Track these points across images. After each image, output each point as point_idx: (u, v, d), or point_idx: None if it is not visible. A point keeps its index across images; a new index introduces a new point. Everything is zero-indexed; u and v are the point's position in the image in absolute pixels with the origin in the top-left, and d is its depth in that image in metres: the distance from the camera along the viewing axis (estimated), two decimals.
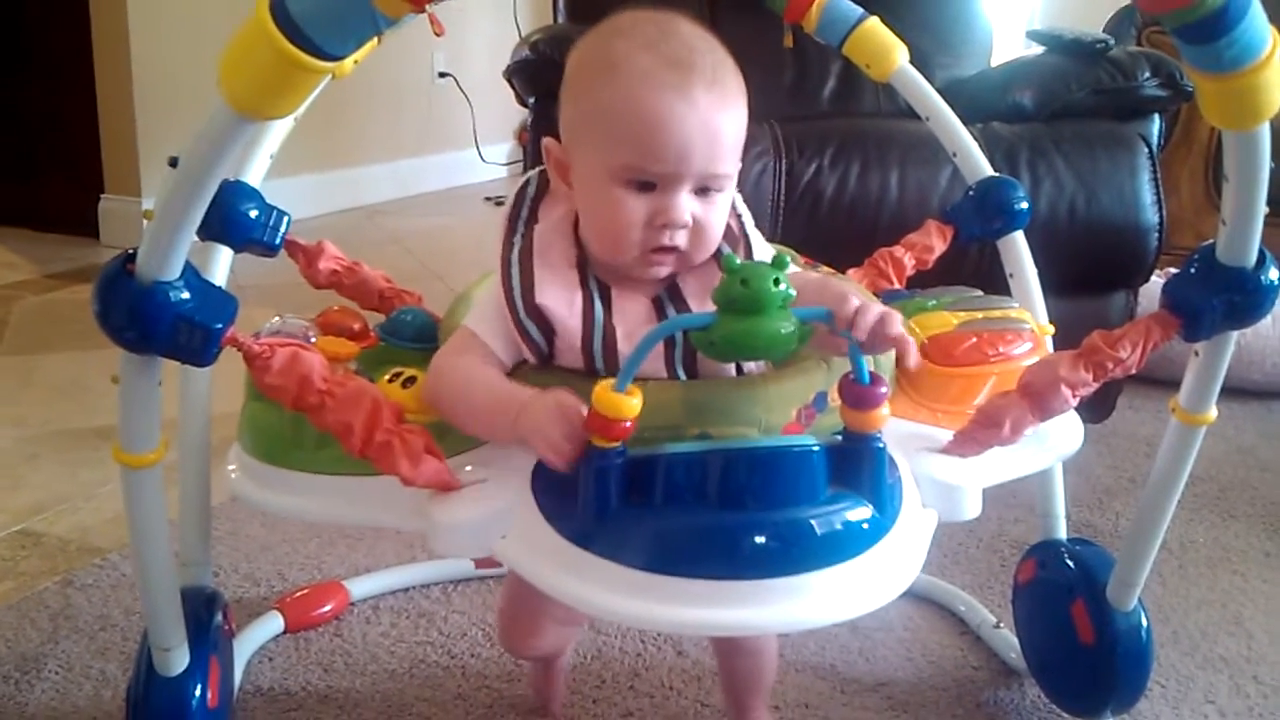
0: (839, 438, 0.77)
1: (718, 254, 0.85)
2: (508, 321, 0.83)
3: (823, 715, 1.20)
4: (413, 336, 1.00)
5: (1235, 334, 0.93)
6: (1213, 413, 0.99)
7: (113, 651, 1.27)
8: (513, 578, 1.05)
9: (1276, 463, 2.00)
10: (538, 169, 0.91)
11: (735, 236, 0.88)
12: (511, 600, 1.08)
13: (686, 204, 0.80)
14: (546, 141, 0.87)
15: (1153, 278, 1.93)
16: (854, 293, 0.78)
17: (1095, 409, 2.02)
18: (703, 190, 0.81)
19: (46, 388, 2.16)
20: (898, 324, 0.75)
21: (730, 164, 0.82)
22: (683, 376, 0.83)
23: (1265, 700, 1.27)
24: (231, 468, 0.92)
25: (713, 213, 0.82)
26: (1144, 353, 0.88)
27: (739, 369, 0.85)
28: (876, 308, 0.76)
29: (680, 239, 0.81)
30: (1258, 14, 0.66)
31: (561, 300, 0.83)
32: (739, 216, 0.89)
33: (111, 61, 3.20)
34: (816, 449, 0.75)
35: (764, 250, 0.90)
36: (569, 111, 0.85)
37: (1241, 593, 1.52)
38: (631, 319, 0.84)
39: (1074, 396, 0.87)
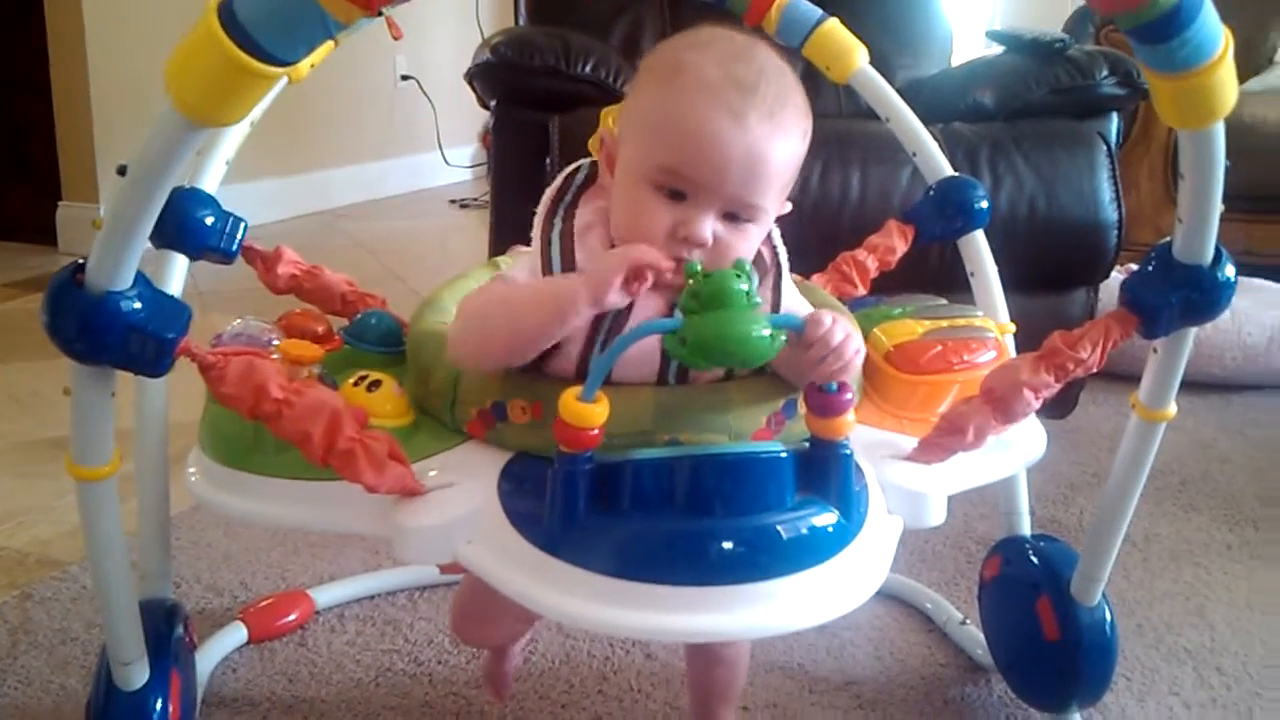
0: (806, 444, 0.77)
1: None
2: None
3: (791, 715, 1.20)
4: (378, 340, 1.00)
5: (1193, 331, 0.93)
6: (1172, 409, 1.00)
7: (73, 665, 1.25)
8: (468, 574, 1.05)
9: (1236, 455, 2.02)
10: (590, 159, 0.90)
11: (765, 266, 0.86)
12: (470, 593, 1.07)
13: (710, 223, 0.78)
14: (603, 130, 0.87)
15: (1113, 274, 1.95)
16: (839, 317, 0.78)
17: (1058, 405, 2.04)
18: (732, 216, 0.79)
19: (3, 399, 2.13)
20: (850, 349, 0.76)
21: (767, 198, 0.80)
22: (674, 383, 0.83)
23: (1228, 690, 1.28)
24: (191, 471, 0.90)
25: (739, 240, 0.80)
26: (1104, 351, 0.89)
27: (728, 376, 0.84)
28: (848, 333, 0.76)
29: (697, 256, 0.78)
30: (1210, 14, 0.67)
31: None
32: (774, 248, 0.88)
33: (68, 67, 3.16)
34: (784, 455, 0.75)
35: (791, 289, 0.88)
36: (628, 104, 0.84)
37: (1204, 585, 1.53)
38: (642, 318, 0.82)
39: (1036, 399, 0.87)
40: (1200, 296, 0.87)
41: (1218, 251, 0.87)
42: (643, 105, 0.82)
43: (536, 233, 0.85)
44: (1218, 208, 0.82)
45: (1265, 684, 1.30)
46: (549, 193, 0.88)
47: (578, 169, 0.89)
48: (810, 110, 0.82)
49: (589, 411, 0.69)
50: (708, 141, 0.76)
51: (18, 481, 1.75)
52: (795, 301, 0.88)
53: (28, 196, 3.30)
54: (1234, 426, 2.18)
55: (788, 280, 0.88)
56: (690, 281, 0.71)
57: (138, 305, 0.71)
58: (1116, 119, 2.05)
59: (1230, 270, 0.87)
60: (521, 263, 0.85)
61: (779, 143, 0.78)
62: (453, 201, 4.45)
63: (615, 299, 0.74)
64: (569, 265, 0.82)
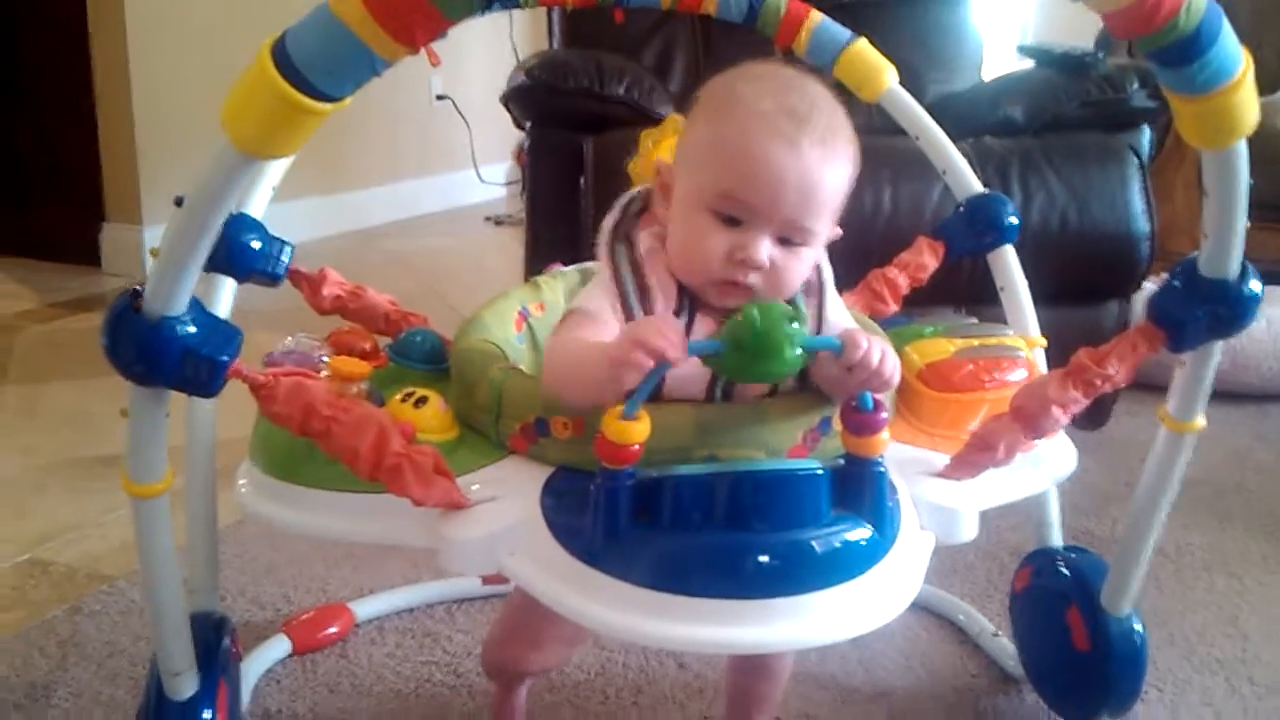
0: (841, 461, 0.79)
1: None
2: (618, 311, 0.85)
3: None
4: (423, 358, 1.02)
5: (1220, 344, 0.94)
6: (1200, 421, 1.00)
7: (122, 678, 1.28)
8: (517, 593, 1.07)
9: (1272, 466, 2.02)
10: (642, 187, 0.93)
11: (812, 287, 0.89)
12: (515, 615, 1.09)
13: (766, 247, 0.81)
14: (658, 161, 0.89)
15: (1146, 284, 1.95)
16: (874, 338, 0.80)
17: (1092, 417, 2.04)
18: (786, 239, 0.82)
19: (52, 417, 2.18)
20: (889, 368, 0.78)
21: (820, 221, 0.83)
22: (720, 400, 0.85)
23: (1260, 701, 1.28)
24: (242, 482, 0.93)
25: (793, 262, 0.83)
26: (1131, 367, 0.90)
27: (773, 392, 0.86)
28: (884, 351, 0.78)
29: (754, 279, 0.82)
30: (1229, 37, 0.68)
31: (661, 305, 0.85)
32: (818, 269, 0.90)
33: (111, 88, 3.22)
34: (820, 472, 0.77)
35: (838, 307, 0.91)
36: (685, 136, 0.88)
37: (1238, 595, 1.53)
38: (701, 335, 0.85)
39: (1065, 415, 0.89)
40: (1226, 310, 0.88)
41: (1243, 266, 0.88)
42: (699, 136, 0.85)
43: (604, 263, 0.87)
44: (1242, 224, 0.83)
45: None
46: (608, 223, 0.90)
47: (633, 198, 0.92)
48: (857, 138, 0.85)
49: (630, 429, 0.72)
50: (764, 167, 0.79)
51: (67, 497, 1.79)
52: (841, 318, 0.91)
53: (72, 218, 3.36)
54: (1270, 436, 2.17)
55: (832, 297, 0.91)
56: (740, 317, 0.73)
57: (193, 329, 0.74)
58: (1148, 131, 2.05)
59: (1256, 284, 0.88)
60: (597, 294, 0.86)
61: (831, 168, 0.81)
62: (488, 218, 4.49)
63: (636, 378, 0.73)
64: (643, 292, 0.85)
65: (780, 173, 0.79)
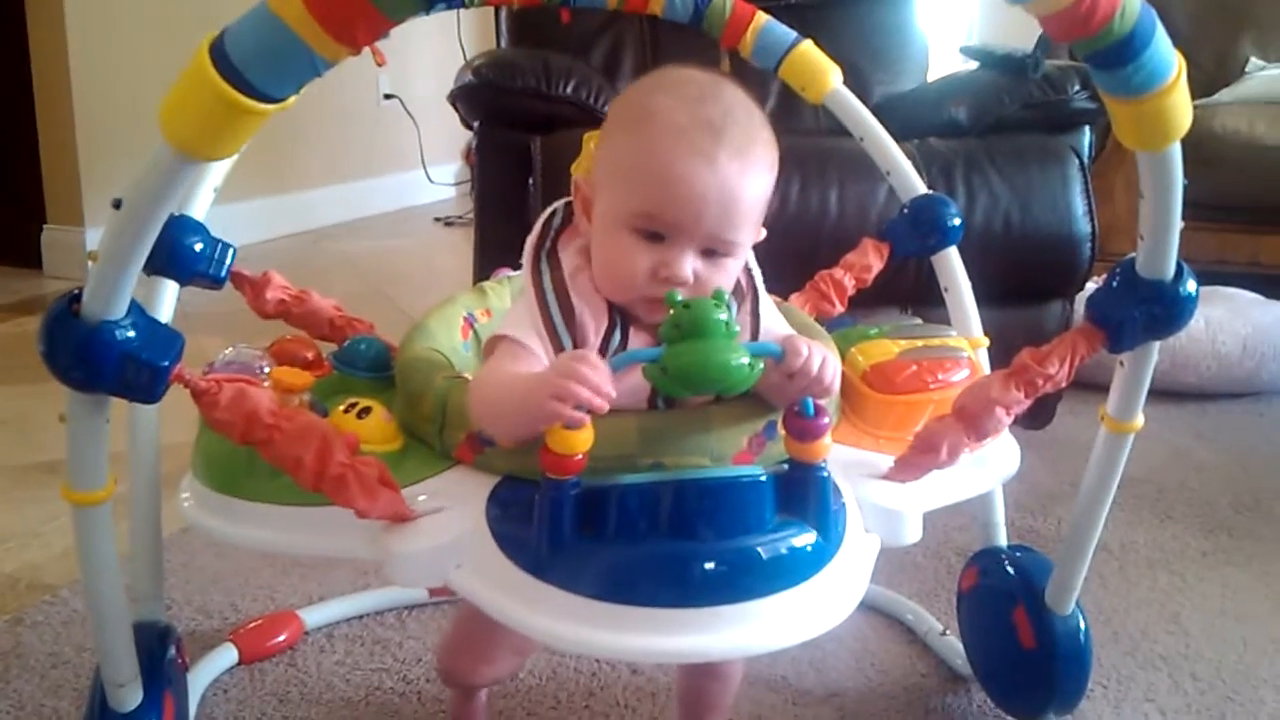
0: (785, 466, 0.79)
1: None
2: (543, 335, 0.84)
3: None
4: (367, 366, 1.01)
5: (1158, 344, 0.96)
6: (1139, 420, 1.02)
7: (65, 689, 1.26)
8: (467, 605, 1.06)
9: (1212, 464, 2.06)
10: (564, 200, 0.92)
11: (743, 291, 0.90)
12: (465, 627, 1.08)
13: (690, 262, 0.82)
14: (576, 178, 0.88)
15: (1089, 285, 1.98)
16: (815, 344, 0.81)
17: (1036, 417, 2.07)
18: (710, 252, 0.83)
19: None
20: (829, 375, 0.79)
21: (742, 233, 0.83)
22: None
23: (1202, 696, 1.31)
24: (185, 495, 0.91)
25: (717, 275, 0.83)
26: (1071, 366, 0.91)
27: (716, 400, 0.85)
28: (824, 358, 0.79)
29: (680, 295, 0.82)
30: (1162, 40, 0.70)
31: (590, 326, 0.85)
32: (749, 272, 0.91)
33: (51, 91, 3.17)
34: (764, 478, 0.77)
35: (770, 309, 0.91)
36: (601, 152, 0.87)
37: (1179, 592, 1.56)
38: (637, 346, 0.85)
39: (1008, 415, 0.89)
40: (1163, 310, 0.90)
41: (1180, 266, 0.89)
42: (616, 152, 0.85)
43: (528, 283, 0.87)
44: (1178, 225, 0.85)
45: (1238, 689, 1.32)
46: (531, 240, 0.90)
47: (554, 213, 0.92)
48: (776, 141, 0.85)
49: (573, 438, 0.72)
50: (682, 184, 0.79)
51: (7, 506, 1.75)
52: (775, 323, 0.91)
53: (12, 220, 3.30)
54: (1209, 434, 2.21)
55: (765, 302, 0.91)
56: (671, 311, 0.73)
57: (132, 334, 0.73)
58: (1089, 133, 2.09)
59: (1192, 285, 0.90)
60: (522, 320, 0.85)
61: (750, 180, 0.81)
62: (437, 219, 4.47)
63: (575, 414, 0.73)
64: (569, 315, 0.85)
65: (700, 190, 0.79)
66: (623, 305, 0.85)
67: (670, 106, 0.81)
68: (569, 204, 0.91)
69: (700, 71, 0.85)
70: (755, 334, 0.88)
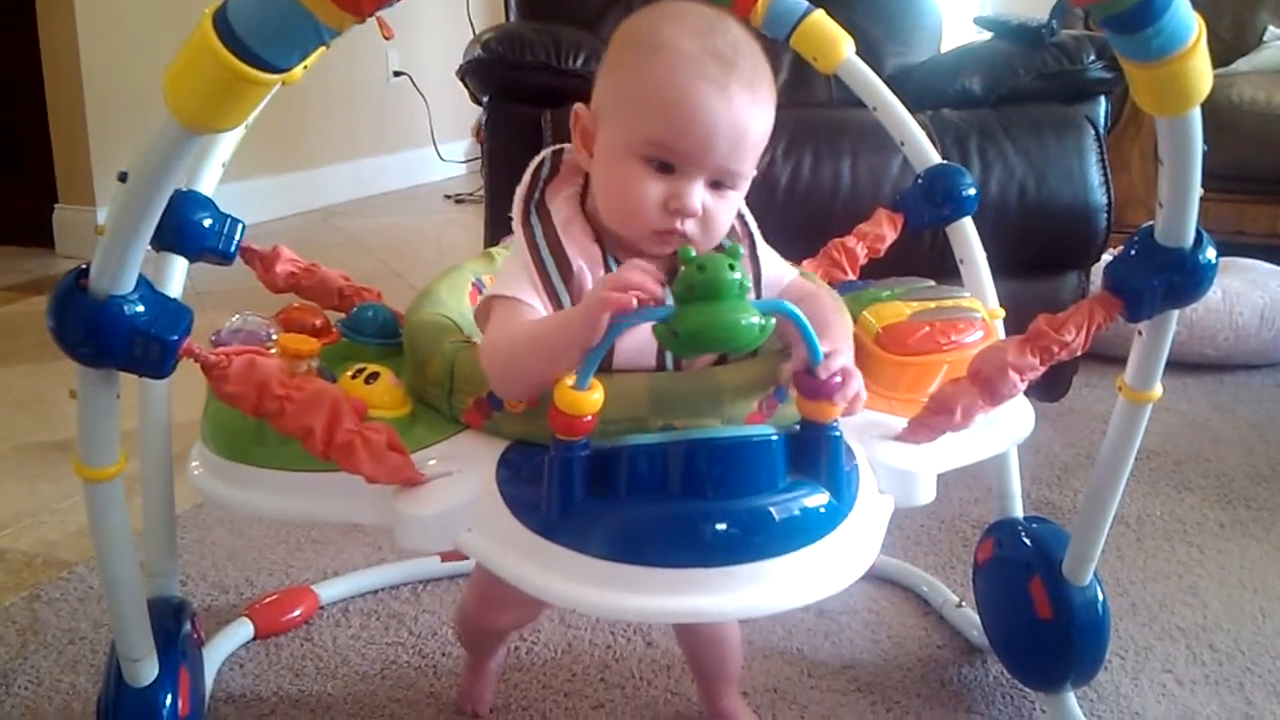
0: (797, 427, 0.79)
1: None
2: (540, 291, 0.84)
3: (790, 699, 1.22)
4: (375, 332, 1.01)
5: (1176, 313, 0.95)
6: (1158, 390, 1.01)
7: (82, 664, 1.27)
8: None
9: (1229, 435, 2.04)
10: (550, 148, 0.91)
11: (739, 236, 0.90)
12: (484, 578, 1.08)
13: (700, 194, 0.82)
14: (577, 107, 0.87)
15: (1105, 256, 1.96)
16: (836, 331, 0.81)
17: (1051, 388, 2.05)
18: (717, 184, 0.83)
19: (5, 402, 2.14)
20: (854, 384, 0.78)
21: (749, 164, 0.83)
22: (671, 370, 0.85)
23: (1220, 667, 1.30)
24: (194, 464, 0.91)
25: (723, 207, 0.84)
26: (1088, 334, 0.90)
27: (722, 360, 0.86)
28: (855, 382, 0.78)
29: (689, 226, 0.82)
30: (1182, 4, 0.68)
31: (587, 275, 0.84)
32: (743, 218, 0.91)
33: (62, 70, 3.17)
34: (775, 438, 0.76)
35: (767, 251, 0.92)
36: (606, 82, 0.86)
37: (1197, 563, 1.55)
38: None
39: (1022, 380, 0.89)
40: (1182, 279, 0.89)
41: (1199, 234, 0.88)
42: (624, 82, 0.84)
43: (519, 237, 0.86)
44: (1197, 191, 0.83)
45: (1257, 659, 1.32)
46: (520, 191, 0.89)
47: (542, 162, 0.91)
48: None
49: (582, 399, 0.71)
50: (696, 115, 0.79)
51: (21, 484, 1.76)
52: (775, 266, 0.92)
53: (24, 199, 3.31)
54: (1226, 406, 2.20)
55: (762, 245, 0.92)
56: (684, 269, 0.72)
57: (141, 309, 0.73)
58: (1105, 102, 2.06)
59: (1211, 253, 0.89)
60: (518, 276, 0.84)
61: (759, 112, 0.82)
62: (448, 197, 4.46)
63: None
64: (564, 267, 0.84)
65: (712, 120, 0.79)
66: (630, 239, 0.84)
67: (678, 36, 0.81)
68: (556, 153, 0.91)
69: (702, 3, 0.85)
70: (758, 279, 0.89)
